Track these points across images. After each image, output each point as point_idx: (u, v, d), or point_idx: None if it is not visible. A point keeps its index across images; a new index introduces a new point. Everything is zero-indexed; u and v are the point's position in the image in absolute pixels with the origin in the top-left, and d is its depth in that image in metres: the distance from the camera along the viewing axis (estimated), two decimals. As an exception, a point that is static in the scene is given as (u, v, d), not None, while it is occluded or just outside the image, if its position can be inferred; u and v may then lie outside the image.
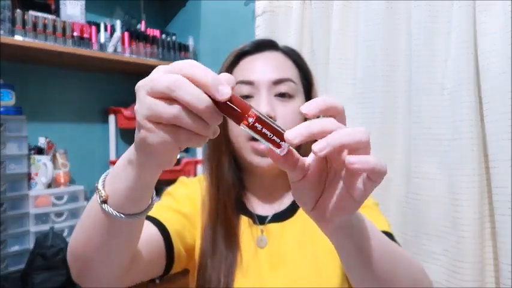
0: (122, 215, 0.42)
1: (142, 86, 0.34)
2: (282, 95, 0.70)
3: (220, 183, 0.72)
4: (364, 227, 0.43)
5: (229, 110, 0.34)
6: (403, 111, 1.18)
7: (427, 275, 0.53)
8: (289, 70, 0.73)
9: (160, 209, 0.68)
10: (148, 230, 0.61)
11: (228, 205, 0.71)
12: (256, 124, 0.34)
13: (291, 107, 0.70)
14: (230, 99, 0.33)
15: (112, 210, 0.42)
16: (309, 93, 0.76)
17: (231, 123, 0.72)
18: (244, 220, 0.74)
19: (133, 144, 0.39)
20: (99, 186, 0.43)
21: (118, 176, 0.42)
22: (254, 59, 0.73)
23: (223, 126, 0.73)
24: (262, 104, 0.67)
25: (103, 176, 0.44)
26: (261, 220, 0.74)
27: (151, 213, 0.64)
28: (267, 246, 0.72)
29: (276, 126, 0.35)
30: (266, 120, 0.34)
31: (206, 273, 0.68)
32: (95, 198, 0.43)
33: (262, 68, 0.70)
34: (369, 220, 0.46)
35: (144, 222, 0.61)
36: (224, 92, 0.33)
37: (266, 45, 0.75)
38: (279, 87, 0.70)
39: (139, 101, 0.34)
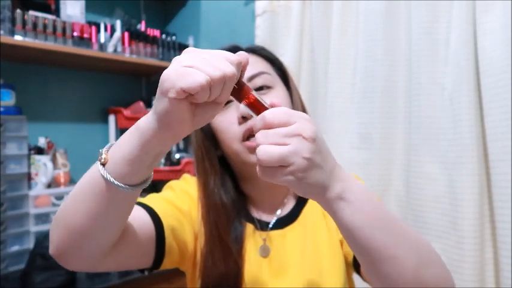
0: (115, 181, 0.43)
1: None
2: (260, 89, 0.70)
3: (210, 205, 0.71)
4: (353, 200, 0.44)
5: (236, 88, 0.43)
6: (403, 111, 1.18)
7: (437, 254, 0.50)
8: (260, 64, 0.73)
9: (159, 200, 0.68)
10: (141, 218, 0.60)
11: (221, 227, 0.70)
12: (254, 103, 0.44)
13: (273, 97, 0.70)
14: (239, 81, 0.43)
15: (107, 174, 0.43)
16: (286, 82, 0.76)
17: (221, 132, 0.71)
18: (248, 227, 0.73)
19: (149, 113, 0.42)
20: (104, 149, 0.45)
21: (122, 143, 0.44)
22: None
23: (203, 141, 0.73)
24: (242, 105, 0.67)
25: (111, 143, 0.46)
26: (264, 226, 0.74)
27: (148, 202, 0.65)
28: (270, 255, 0.71)
29: (266, 106, 0.45)
30: (261, 101, 0.45)
31: None
32: (93, 166, 0.45)
33: None
34: (368, 193, 0.46)
35: (139, 209, 0.61)
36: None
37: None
38: (255, 82, 0.70)
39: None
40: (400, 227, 0.48)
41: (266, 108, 0.44)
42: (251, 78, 0.70)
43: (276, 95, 0.71)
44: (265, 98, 0.69)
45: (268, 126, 0.42)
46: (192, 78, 0.38)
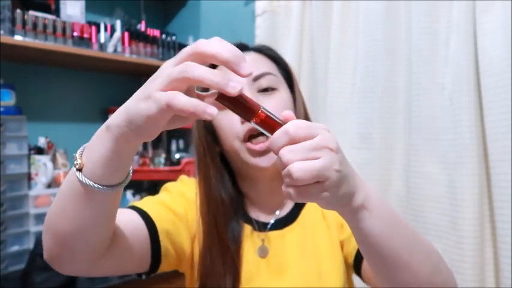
0: (95, 184, 0.42)
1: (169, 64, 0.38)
2: (265, 90, 0.70)
3: (210, 200, 0.71)
4: (373, 208, 0.44)
5: (241, 106, 0.39)
6: (403, 111, 1.18)
7: (442, 258, 0.52)
8: (265, 65, 0.73)
9: (154, 203, 0.67)
10: (134, 222, 0.60)
11: (220, 223, 0.69)
12: (265, 120, 0.40)
13: (278, 99, 0.70)
14: (242, 98, 0.39)
15: (86, 178, 0.42)
16: (290, 83, 0.76)
17: (222, 129, 0.70)
18: (246, 228, 0.73)
19: (118, 112, 0.40)
20: (77, 155, 0.44)
21: (94, 144, 0.43)
22: None
23: (206, 136, 0.73)
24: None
25: (83, 146, 0.45)
26: (262, 226, 0.73)
27: (143, 206, 0.64)
28: (269, 255, 0.71)
29: (279, 121, 0.41)
30: (273, 116, 0.41)
31: None
32: (71, 171, 0.44)
33: None
34: (385, 203, 0.46)
35: (132, 213, 0.61)
36: (246, 69, 0.38)
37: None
38: (260, 82, 0.69)
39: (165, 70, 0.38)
40: (412, 233, 0.48)
41: (280, 125, 0.40)
42: (256, 79, 0.69)
43: (280, 97, 0.70)
44: (269, 100, 0.69)
45: (294, 141, 0.38)
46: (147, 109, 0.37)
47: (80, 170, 0.43)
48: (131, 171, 0.47)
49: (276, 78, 0.72)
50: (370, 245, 0.46)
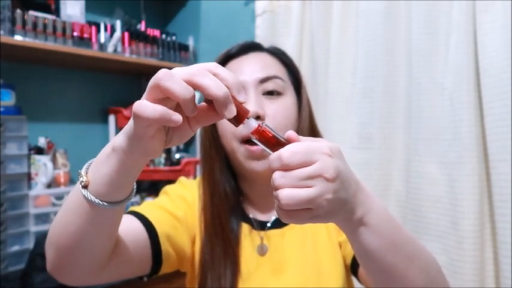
0: (100, 202, 0.43)
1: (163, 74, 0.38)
2: (270, 93, 0.69)
3: (214, 191, 0.71)
4: (372, 224, 0.44)
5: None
6: (403, 111, 1.18)
7: (441, 270, 0.53)
8: (276, 68, 0.73)
9: (153, 208, 0.67)
10: (135, 228, 0.60)
11: (222, 215, 0.70)
12: (266, 138, 0.41)
13: (281, 104, 0.70)
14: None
15: (91, 196, 0.43)
16: (298, 90, 0.76)
17: (222, 127, 0.71)
18: (244, 227, 0.73)
19: (120, 133, 0.41)
20: (82, 172, 0.45)
21: (101, 163, 0.43)
22: (240, 61, 0.73)
23: (212, 130, 0.73)
24: (250, 104, 0.66)
25: (88, 163, 0.46)
26: (261, 226, 0.73)
27: (142, 211, 0.64)
28: (268, 253, 0.71)
29: (281, 139, 0.40)
30: (273, 133, 0.41)
31: (207, 286, 0.68)
32: (77, 184, 0.45)
33: (248, 68, 0.70)
34: (387, 217, 0.46)
35: (132, 219, 0.61)
36: (244, 97, 0.40)
37: (251, 47, 0.75)
38: (266, 85, 0.69)
39: (153, 86, 0.37)
40: (412, 247, 0.49)
41: (282, 144, 0.39)
42: (263, 81, 0.69)
43: (283, 103, 0.70)
44: (272, 104, 0.69)
45: (286, 168, 0.38)
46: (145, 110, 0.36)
47: (85, 187, 0.44)
48: (135, 187, 0.47)
49: (283, 84, 0.71)
50: (366, 258, 0.46)
